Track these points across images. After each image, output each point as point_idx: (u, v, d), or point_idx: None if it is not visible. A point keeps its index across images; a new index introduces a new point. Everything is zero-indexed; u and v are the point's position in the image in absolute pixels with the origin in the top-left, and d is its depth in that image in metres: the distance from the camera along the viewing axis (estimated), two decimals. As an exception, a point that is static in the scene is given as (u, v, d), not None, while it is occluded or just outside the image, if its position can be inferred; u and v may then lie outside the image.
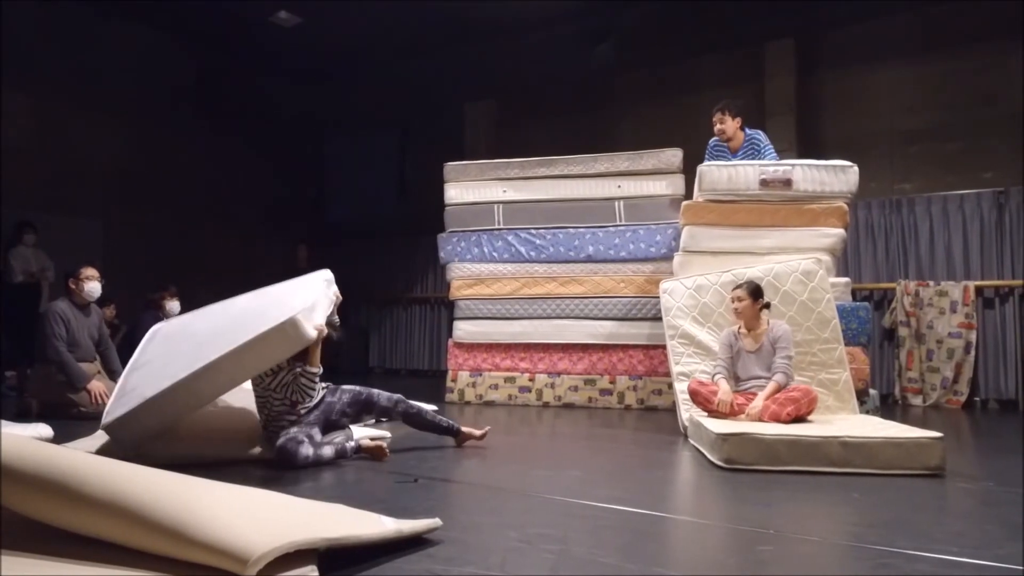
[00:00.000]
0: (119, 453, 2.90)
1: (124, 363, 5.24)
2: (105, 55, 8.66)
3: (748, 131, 5.36)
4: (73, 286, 5.18)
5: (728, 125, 5.27)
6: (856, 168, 5.05)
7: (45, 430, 3.90)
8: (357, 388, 3.57)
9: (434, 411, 3.90)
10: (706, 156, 5.47)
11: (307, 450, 3.08)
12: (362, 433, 3.71)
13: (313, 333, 3.09)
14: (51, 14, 8.12)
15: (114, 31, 8.76)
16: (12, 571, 1.52)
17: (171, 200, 9.24)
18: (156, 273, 7.94)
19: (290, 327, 2.99)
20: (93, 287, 5.19)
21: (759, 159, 5.21)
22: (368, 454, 3.31)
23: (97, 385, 4.91)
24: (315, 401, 3.42)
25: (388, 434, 3.89)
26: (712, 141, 5.48)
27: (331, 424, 3.44)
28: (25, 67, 7.84)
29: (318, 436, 3.29)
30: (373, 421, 4.26)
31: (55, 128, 8.23)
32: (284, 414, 3.31)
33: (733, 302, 4.22)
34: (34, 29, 7.97)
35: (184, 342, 3.42)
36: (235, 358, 2.99)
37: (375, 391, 3.58)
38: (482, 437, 3.76)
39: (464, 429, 3.73)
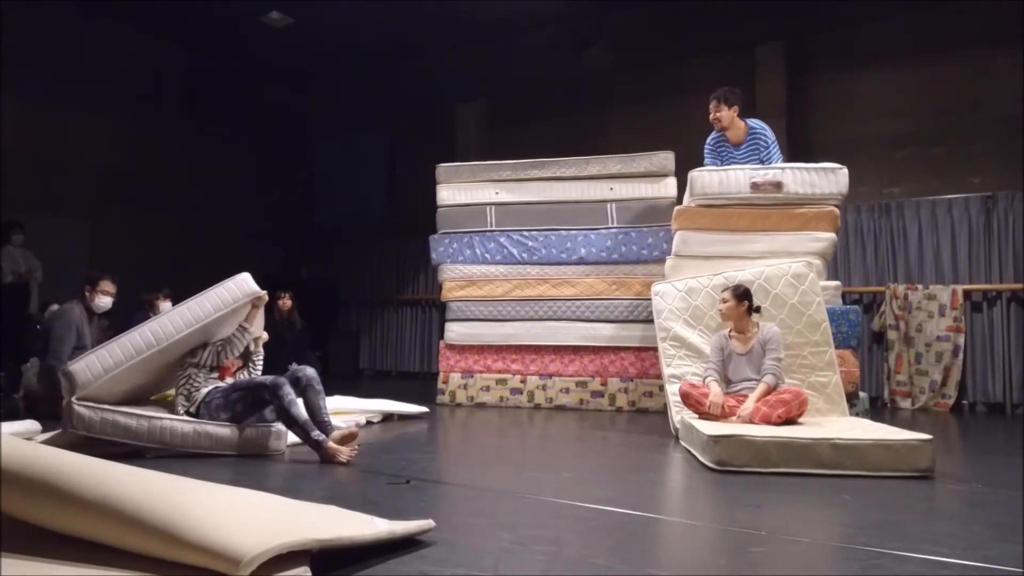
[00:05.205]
0: (76, 431, 3.13)
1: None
2: (94, 55, 8.61)
3: (750, 121, 5.26)
4: (88, 294, 5.24)
5: (724, 114, 5.16)
6: (846, 170, 5.07)
7: (33, 426, 3.90)
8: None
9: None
10: (705, 154, 5.36)
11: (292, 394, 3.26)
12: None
13: (259, 290, 3.54)
14: (39, 14, 8.07)
15: (103, 31, 8.71)
16: (12, 572, 1.51)
17: (159, 200, 9.19)
18: (143, 274, 7.86)
19: (242, 280, 3.52)
20: (104, 301, 5.26)
21: (764, 156, 5.15)
22: (330, 455, 3.17)
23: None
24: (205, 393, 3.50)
25: (362, 419, 3.93)
26: (712, 139, 5.35)
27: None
28: (12, 67, 7.78)
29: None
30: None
31: (43, 128, 8.17)
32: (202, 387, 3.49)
33: (720, 303, 4.25)
34: (22, 29, 7.91)
35: None
36: (194, 307, 3.42)
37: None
38: (347, 461, 3.18)
39: (331, 445, 3.17)
